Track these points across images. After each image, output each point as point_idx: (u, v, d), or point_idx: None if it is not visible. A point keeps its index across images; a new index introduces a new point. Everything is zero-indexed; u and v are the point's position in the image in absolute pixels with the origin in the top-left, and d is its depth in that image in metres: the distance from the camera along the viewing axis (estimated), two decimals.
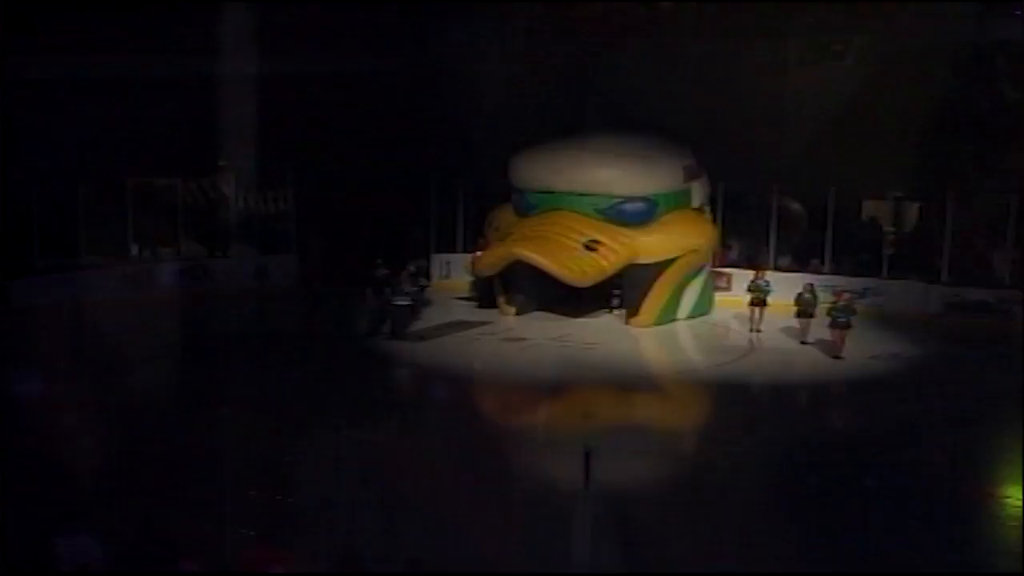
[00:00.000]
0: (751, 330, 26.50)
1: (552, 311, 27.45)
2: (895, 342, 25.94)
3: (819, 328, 25.32)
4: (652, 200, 26.96)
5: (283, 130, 30.73)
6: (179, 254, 29.83)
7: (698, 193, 28.06)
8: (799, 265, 29.19)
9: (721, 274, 28.95)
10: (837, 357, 24.58)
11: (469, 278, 29.34)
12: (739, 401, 22.73)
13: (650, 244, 26.57)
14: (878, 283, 28.40)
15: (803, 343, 25.52)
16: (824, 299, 25.70)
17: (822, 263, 28.90)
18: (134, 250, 29.38)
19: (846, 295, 25.17)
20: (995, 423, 21.20)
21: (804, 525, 15.71)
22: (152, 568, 11.57)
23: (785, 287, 26.62)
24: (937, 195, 28.37)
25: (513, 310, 27.63)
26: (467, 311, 28.26)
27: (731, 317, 27.77)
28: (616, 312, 27.62)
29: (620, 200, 26.76)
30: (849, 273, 28.58)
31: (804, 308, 25.56)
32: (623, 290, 27.42)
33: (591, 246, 26.20)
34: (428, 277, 28.92)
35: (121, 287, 28.24)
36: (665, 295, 26.97)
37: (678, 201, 27.52)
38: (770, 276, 27.16)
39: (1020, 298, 26.90)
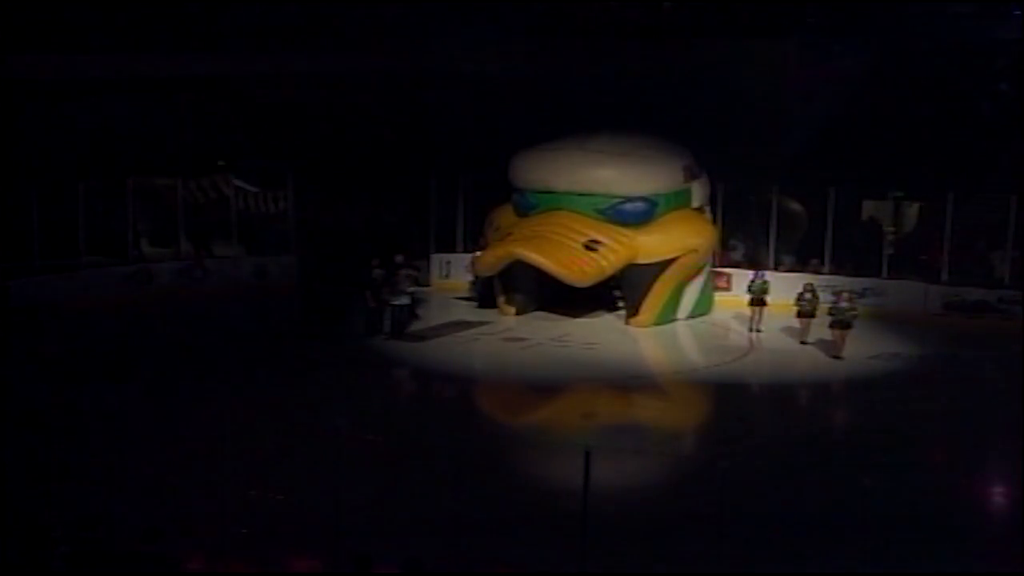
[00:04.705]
0: (751, 330, 26.50)
1: (552, 311, 27.45)
2: (895, 342, 25.94)
3: (819, 328, 25.31)
4: (652, 200, 26.95)
5: (283, 130, 30.82)
6: (179, 254, 29.84)
7: (698, 193, 28.06)
8: (799, 265, 29.20)
9: (721, 274, 28.95)
10: (837, 357, 24.57)
11: (469, 278, 29.35)
12: (739, 401, 22.73)
13: (650, 244, 26.56)
14: (878, 283, 28.40)
15: (803, 343, 25.52)
16: (824, 299, 25.69)
17: (822, 263, 28.90)
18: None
19: (846, 295, 25.15)
20: (995, 423, 21.20)
21: (804, 525, 15.70)
22: (152, 567, 11.57)
23: (785, 287, 26.63)
24: (937, 195, 28.37)
25: (513, 310, 27.63)
26: (467, 311, 28.26)
27: (731, 317, 27.77)
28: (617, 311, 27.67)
29: (620, 200, 26.75)
30: (849, 273, 28.59)
31: (805, 308, 25.56)
32: (623, 290, 27.42)
33: (591, 246, 26.18)
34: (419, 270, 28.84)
35: (121, 287, 28.24)
36: (665, 295, 26.96)
37: (678, 201, 27.51)
38: (770, 276, 27.17)
39: (1020, 298, 26.91)
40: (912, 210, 30.61)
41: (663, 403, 23.37)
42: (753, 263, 28.97)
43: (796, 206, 30.21)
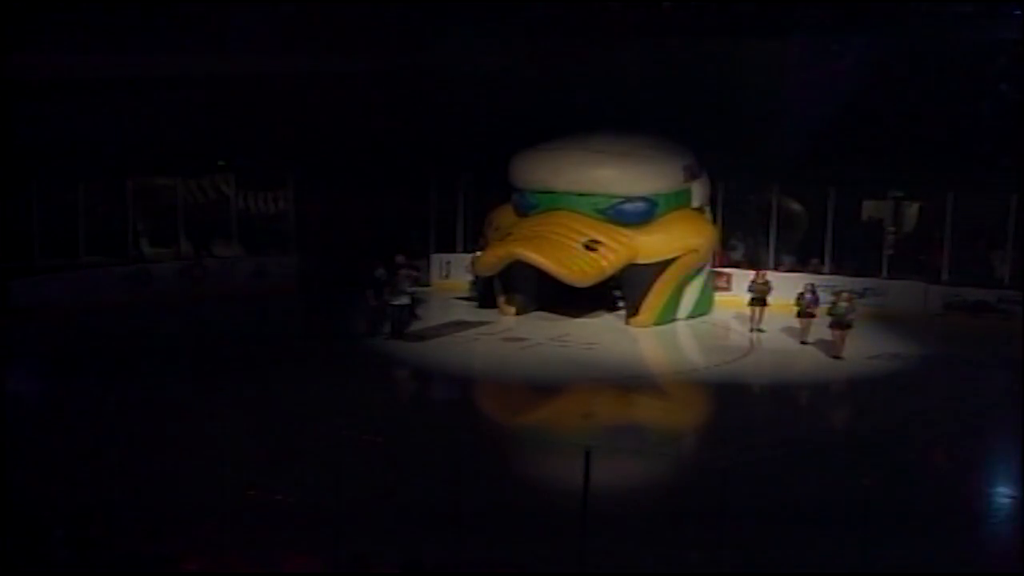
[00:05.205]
0: (751, 330, 26.49)
1: (552, 311, 27.45)
2: (895, 342, 25.94)
3: (819, 328, 25.31)
4: (652, 200, 26.96)
5: (283, 130, 30.80)
6: (179, 254, 29.81)
7: (698, 193, 28.07)
8: (799, 265, 29.19)
9: (721, 274, 28.95)
10: (837, 357, 24.57)
11: (469, 278, 29.34)
12: (739, 401, 22.73)
13: (650, 244, 26.57)
14: (878, 283, 28.41)
15: (803, 343, 25.52)
16: (824, 299, 25.68)
17: (822, 263, 28.90)
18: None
19: (846, 295, 25.15)
20: (995, 423, 21.21)
21: (803, 525, 15.70)
22: (152, 567, 11.58)
23: (785, 287, 26.63)
24: (937, 195, 28.36)
25: (513, 310, 27.63)
26: (467, 311, 28.26)
27: (731, 317, 27.77)
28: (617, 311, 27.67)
29: (620, 200, 26.76)
30: (849, 273, 28.59)
31: (805, 308, 25.56)
32: (623, 290, 27.42)
33: (591, 246, 26.19)
34: (419, 270, 28.80)
35: (121, 287, 28.22)
36: (665, 295, 26.96)
37: (678, 201, 27.52)
38: (770, 276, 27.15)
39: (1020, 298, 26.91)
40: (912, 210, 30.58)
41: (663, 403, 23.37)
42: (753, 263, 28.96)
43: (796, 206, 30.21)
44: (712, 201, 28.63)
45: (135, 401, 20.21)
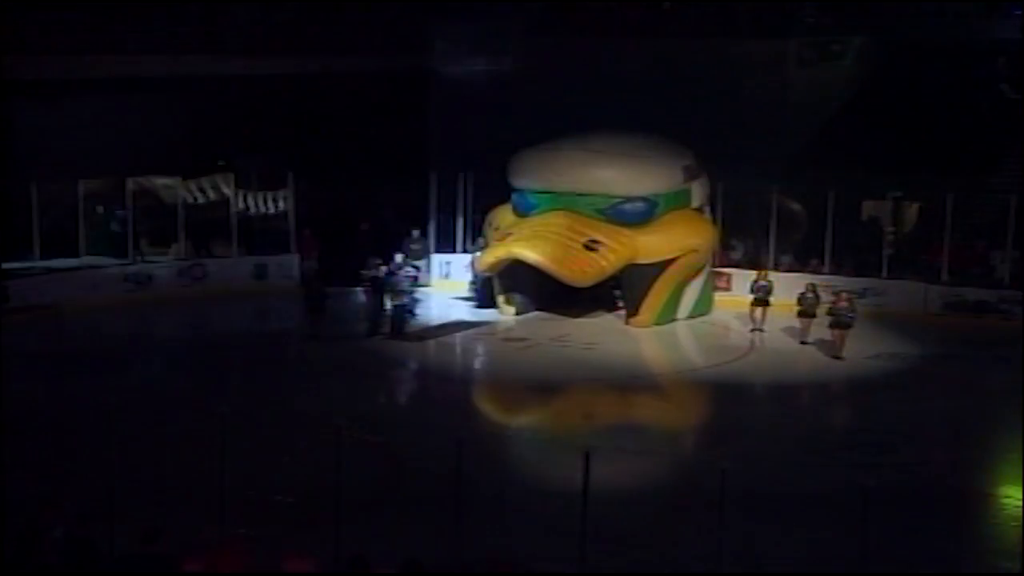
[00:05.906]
0: (752, 330, 26.45)
1: (552, 311, 27.44)
2: (895, 342, 25.93)
3: (819, 328, 25.30)
4: (652, 200, 26.96)
5: (283, 130, 30.81)
6: (180, 254, 29.79)
7: (698, 193, 28.06)
8: (799, 265, 29.18)
9: (721, 274, 28.94)
10: (837, 357, 24.57)
11: (469, 278, 29.33)
12: (739, 401, 22.73)
13: (650, 244, 26.56)
14: (878, 283, 28.40)
15: (803, 343, 25.51)
16: (824, 299, 25.67)
17: (822, 263, 28.89)
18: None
19: (846, 295, 25.15)
20: (995, 423, 21.20)
21: (804, 525, 15.70)
22: (152, 567, 11.56)
23: (785, 287, 26.61)
24: (937, 195, 28.36)
25: (513, 310, 27.62)
26: (467, 311, 28.24)
27: (731, 317, 27.76)
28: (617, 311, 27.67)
29: (620, 200, 26.76)
30: (849, 273, 28.58)
31: (806, 308, 25.55)
32: (623, 290, 27.41)
33: (591, 246, 26.19)
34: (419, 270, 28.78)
35: (121, 287, 28.21)
36: (665, 295, 26.95)
37: (678, 201, 27.51)
38: (771, 276, 27.13)
39: (1020, 298, 26.91)
40: (912, 210, 30.59)
41: (663, 403, 23.37)
42: (753, 263, 28.95)
43: (796, 206, 30.20)
44: (712, 201, 28.62)
45: (134, 401, 20.18)
